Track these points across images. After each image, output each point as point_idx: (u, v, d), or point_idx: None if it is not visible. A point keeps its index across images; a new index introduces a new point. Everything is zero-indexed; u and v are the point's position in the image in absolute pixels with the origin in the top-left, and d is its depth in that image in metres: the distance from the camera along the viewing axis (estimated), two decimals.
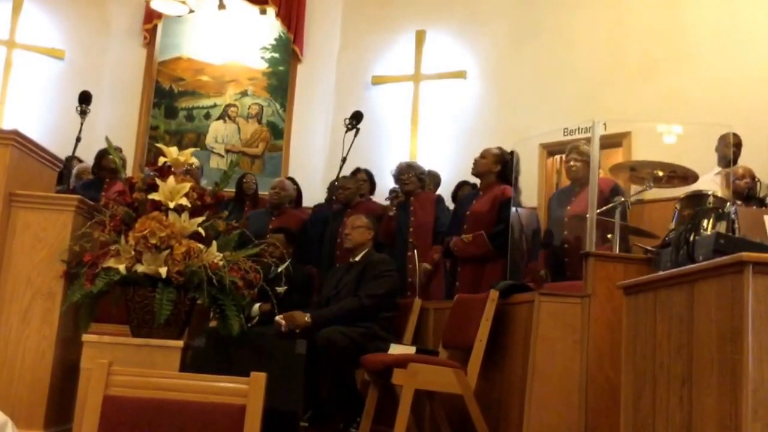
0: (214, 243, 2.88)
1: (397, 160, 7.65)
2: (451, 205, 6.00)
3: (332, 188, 5.83)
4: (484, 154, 5.02)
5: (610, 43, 6.84)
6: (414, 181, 5.56)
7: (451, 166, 7.10)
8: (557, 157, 6.66)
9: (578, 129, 5.97)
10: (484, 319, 3.76)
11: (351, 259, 4.68)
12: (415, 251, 5.21)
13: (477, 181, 6.24)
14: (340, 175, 5.62)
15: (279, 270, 4.77)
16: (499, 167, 4.92)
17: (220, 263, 2.82)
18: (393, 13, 8.16)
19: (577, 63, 6.96)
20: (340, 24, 8.40)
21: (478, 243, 4.80)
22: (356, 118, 5.53)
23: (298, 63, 8.26)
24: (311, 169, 7.64)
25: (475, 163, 5.10)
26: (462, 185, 6.48)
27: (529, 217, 4.72)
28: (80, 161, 6.31)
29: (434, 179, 6.50)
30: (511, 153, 5.00)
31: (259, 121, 8.17)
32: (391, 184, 6.38)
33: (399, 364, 3.61)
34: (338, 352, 4.08)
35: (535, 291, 3.68)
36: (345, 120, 5.56)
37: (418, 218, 5.43)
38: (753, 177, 4.51)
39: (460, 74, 7.80)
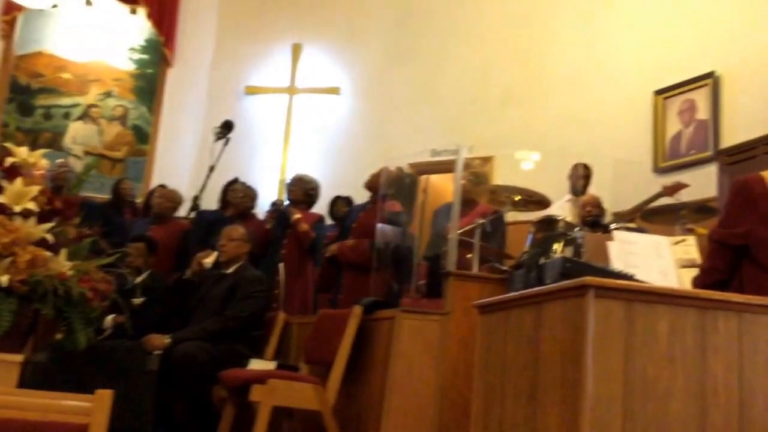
0: (63, 251, 2.72)
1: (268, 172, 7.63)
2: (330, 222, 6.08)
3: (195, 199, 5.64)
4: (381, 173, 5.10)
5: (477, 73, 7.16)
6: (298, 194, 5.53)
7: (321, 180, 7.11)
8: (424, 177, 6.84)
9: (445, 151, 6.15)
10: (346, 334, 3.77)
11: (222, 270, 4.57)
12: (282, 266, 5.17)
13: (350, 194, 6.34)
14: (206, 185, 5.47)
15: (137, 281, 4.59)
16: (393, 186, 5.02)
17: (69, 273, 2.67)
18: (269, 24, 8.12)
19: (446, 89, 7.23)
20: (215, 31, 8.25)
21: (359, 250, 4.84)
22: (227, 127, 5.42)
23: (169, 67, 8.02)
24: (177, 177, 7.40)
25: (372, 179, 5.17)
26: (336, 200, 6.52)
27: (395, 234, 4.80)
28: None
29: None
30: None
31: (123, 124, 7.84)
32: (260, 196, 6.30)
33: (258, 380, 3.55)
34: (197, 368, 3.96)
35: (397, 308, 3.74)
36: (214, 128, 5.45)
37: (294, 233, 5.38)
38: (598, 205, 4.80)
39: (334, 90, 7.86)
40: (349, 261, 4.95)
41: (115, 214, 6.05)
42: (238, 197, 5.68)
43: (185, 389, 4.03)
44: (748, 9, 5.61)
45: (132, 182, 6.61)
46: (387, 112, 7.48)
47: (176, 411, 4.12)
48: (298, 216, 5.28)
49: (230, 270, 4.54)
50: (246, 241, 4.64)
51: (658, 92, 6.14)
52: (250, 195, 5.73)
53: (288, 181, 5.81)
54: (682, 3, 6.15)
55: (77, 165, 7.33)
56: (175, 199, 5.88)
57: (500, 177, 6.35)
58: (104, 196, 6.96)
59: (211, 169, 5.28)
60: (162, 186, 6.17)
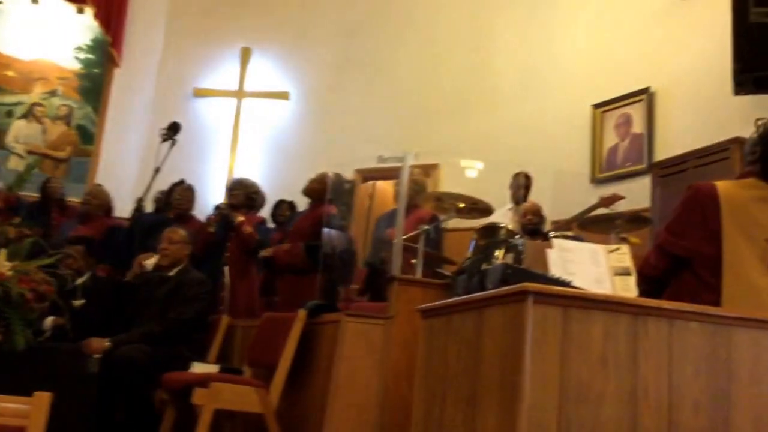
0: (3, 251, 2.67)
1: (215, 175, 7.58)
2: (271, 225, 6.07)
3: (139, 201, 5.59)
4: (319, 179, 5.13)
5: (426, 82, 7.26)
6: (240, 197, 5.50)
7: (268, 184, 7.10)
8: (370, 182, 6.93)
9: (392, 158, 6.24)
10: (290, 337, 3.78)
11: (164, 273, 4.53)
12: (227, 268, 5.16)
13: (293, 199, 6.36)
14: (152, 186, 5.42)
15: (77, 282, 4.51)
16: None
17: (9, 273, 2.62)
18: (219, 27, 8.08)
19: (394, 97, 7.32)
20: (164, 32, 8.17)
21: (293, 253, 4.88)
22: (173, 129, 5.37)
23: (115, 67, 7.91)
24: (122, 178, 7.31)
25: (309, 185, 5.21)
26: (280, 203, 6.53)
27: (340, 239, 4.83)
28: None
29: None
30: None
31: (68, 124, 7.70)
32: (207, 198, 6.27)
33: (200, 383, 3.53)
34: (138, 372, 3.92)
35: (342, 311, 3.77)
36: (160, 129, 5.40)
37: (239, 236, 5.37)
38: (539, 213, 4.91)
39: (284, 95, 7.86)
40: (285, 264, 4.99)
41: (40, 213, 5.94)
42: (175, 199, 5.65)
43: (126, 392, 3.98)
44: (680, 31, 5.84)
45: (59, 180, 6.49)
46: (335, 118, 7.53)
47: (116, 416, 4.06)
48: (241, 219, 5.27)
49: (172, 273, 4.51)
50: (187, 243, 4.62)
51: (597, 106, 6.33)
52: (187, 197, 5.68)
53: (229, 184, 5.77)
54: (620, 23, 6.36)
55: (19, 164, 7.20)
56: (100, 197, 5.81)
57: (446, 184, 6.46)
58: None
59: (157, 170, 5.23)
60: (98, 185, 6.11)
